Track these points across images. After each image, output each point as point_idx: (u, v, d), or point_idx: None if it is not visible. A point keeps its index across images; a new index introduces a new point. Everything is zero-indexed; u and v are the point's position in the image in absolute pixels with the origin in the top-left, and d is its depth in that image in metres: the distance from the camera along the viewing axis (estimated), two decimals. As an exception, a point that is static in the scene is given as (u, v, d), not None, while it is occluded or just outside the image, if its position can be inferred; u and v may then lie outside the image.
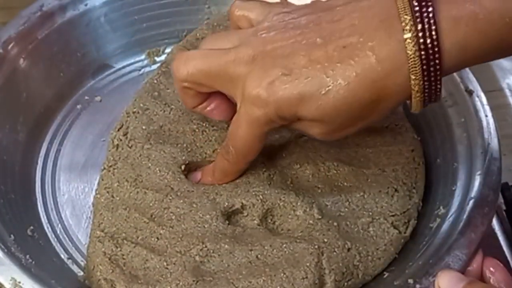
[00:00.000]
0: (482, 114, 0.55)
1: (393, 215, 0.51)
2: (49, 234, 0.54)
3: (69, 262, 0.53)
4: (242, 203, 0.51)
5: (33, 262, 0.48)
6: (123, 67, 0.67)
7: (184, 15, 0.68)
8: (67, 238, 0.54)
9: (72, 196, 0.57)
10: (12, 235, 0.49)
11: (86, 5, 0.64)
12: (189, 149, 0.54)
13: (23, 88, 0.60)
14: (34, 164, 0.59)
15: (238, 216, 0.51)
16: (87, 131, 0.61)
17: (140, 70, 0.67)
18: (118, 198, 0.52)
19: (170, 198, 0.51)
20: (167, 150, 0.54)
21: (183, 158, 0.54)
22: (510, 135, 0.58)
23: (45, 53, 0.62)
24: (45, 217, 0.55)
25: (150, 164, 0.53)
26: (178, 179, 0.52)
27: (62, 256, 0.53)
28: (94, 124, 0.62)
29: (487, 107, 0.55)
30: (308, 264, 0.47)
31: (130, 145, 0.55)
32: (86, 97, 0.64)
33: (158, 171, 0.53)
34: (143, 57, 0.67)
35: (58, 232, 0.55)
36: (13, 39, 0.60)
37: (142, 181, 0.53)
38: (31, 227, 0.53)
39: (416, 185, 0.54)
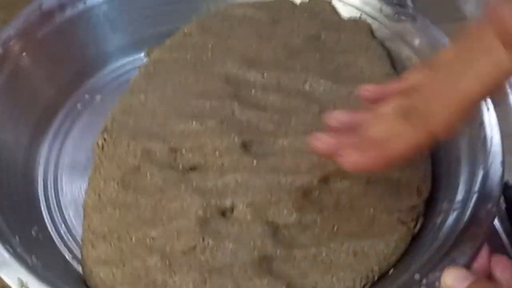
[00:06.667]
0: (484, 108, 0.54)
1: (400, 211, 0.51)
2: (53, 235, 0.54)
3: (73, 262, 0.52)
4: (232, 202, 0.50)
5: (39, 263, 0.48)
6: (123, 65, 0.66)
7: (183, 13, 0.67)
8: (71, 238, 0.54)
9: (75, 196, 0.57)
10: (17, 237, 0.49)
11: (85, 3, 0.64)
12: (174, 145, 0.54)
13: (24, 87, 0.60)
14: (36, 165, 0.58)
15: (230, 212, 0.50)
16: (88, 130, 0.61)
17: (139, 68, 0.66)
18: (105, 198, 0.51)
19: (159, 196, 0.50)
20: (154, 147, 0.53)
21: (169, 154, 0.53)
22: (510, 135, 0.58)
23: (45, 52, 0.62)
24: (48, 217, 0.55)
25: (136, 163, 0.53)
26: (165, 176, 0.52)
27: (67, 256, 0.53)
28: (94, 123, 0.61)
29: (489, 101, 0.55)
30: None
31: (115, 144, 0.54)
32: (86, 96, 0.64)
33: (144, 169, 0.52)
34: (142, 55, 0.67)
35: (62, 232, 0.54)
36: (13, 38, 0.60)
37: (129, 180, 0.52)
38: (35, 228, 0.53)
39: (424, 183, 0.54)
